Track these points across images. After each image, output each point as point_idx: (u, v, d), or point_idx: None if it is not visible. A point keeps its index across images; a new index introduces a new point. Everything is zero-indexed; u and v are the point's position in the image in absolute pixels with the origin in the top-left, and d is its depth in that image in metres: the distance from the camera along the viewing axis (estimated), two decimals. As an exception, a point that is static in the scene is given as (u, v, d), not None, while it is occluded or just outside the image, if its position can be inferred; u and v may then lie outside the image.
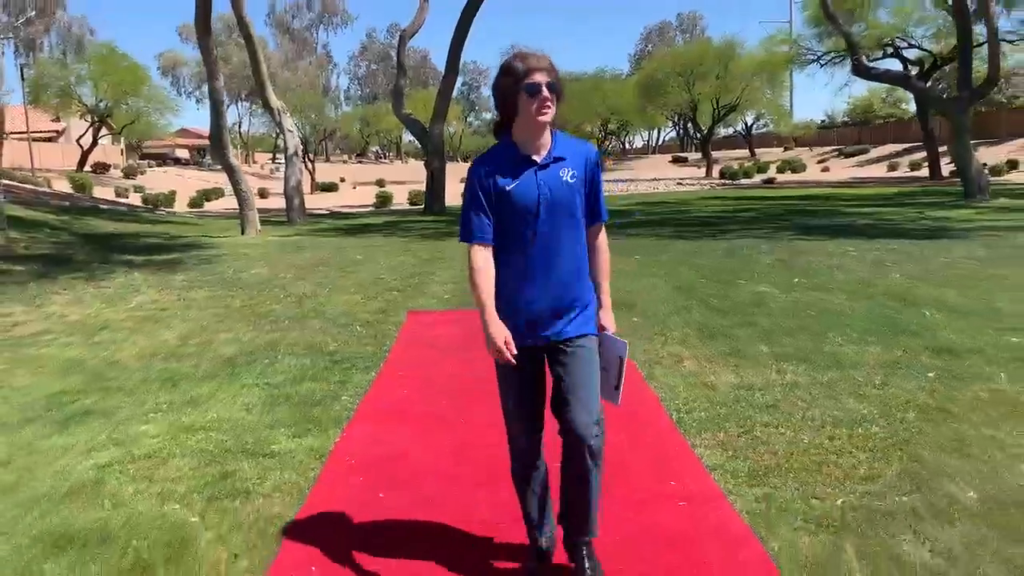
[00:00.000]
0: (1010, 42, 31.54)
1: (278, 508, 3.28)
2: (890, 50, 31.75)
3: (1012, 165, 34.50)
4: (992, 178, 32.70)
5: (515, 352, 2.45)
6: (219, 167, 65.51)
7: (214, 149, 16.94)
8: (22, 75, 38.84)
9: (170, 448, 4.02)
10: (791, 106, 60.16)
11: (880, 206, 19.62)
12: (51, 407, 4.80)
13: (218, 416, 4.51)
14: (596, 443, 2.51)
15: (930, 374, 4.80)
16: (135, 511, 3.29)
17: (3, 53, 11.04)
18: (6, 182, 22.39)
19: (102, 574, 2.78)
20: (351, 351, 6.01)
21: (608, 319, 2.67)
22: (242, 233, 15.89)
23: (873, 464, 3.51)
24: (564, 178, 2.53)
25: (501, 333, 2.46)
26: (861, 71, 21.02)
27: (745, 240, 12.54)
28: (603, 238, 2.72)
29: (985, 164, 34.78)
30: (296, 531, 3.07)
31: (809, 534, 2.89)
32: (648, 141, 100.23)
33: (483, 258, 2.54)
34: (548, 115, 2.46)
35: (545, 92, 2.43)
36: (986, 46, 33.12)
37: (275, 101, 19.20)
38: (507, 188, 2.50)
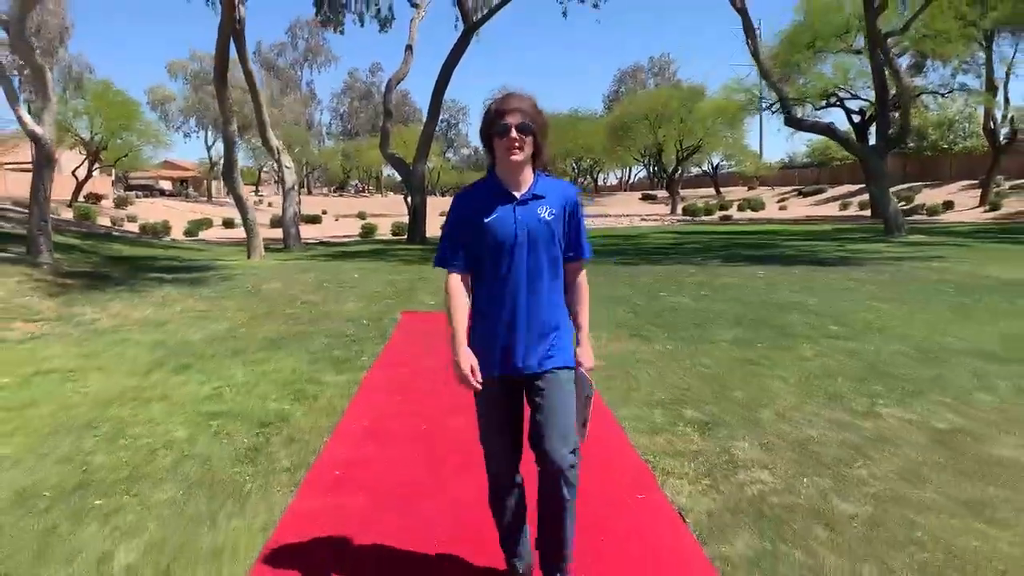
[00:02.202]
0: (942, 95, 34.72)
1: (336, 404, 5.50)
2: (834, 100, 34.74)
3: (948, 206, 37.46)
4: (929, 217, 35.73)
5: (480, 380, 2.58)
6: (203, 198, 67.26)
7: (226, 182, 19.15)
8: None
9: (255, 381, 6.23)
10: (760, 147, 63.49)
11: (811, 240, 22.18)
12: (159, 365, 6.97)
13: (280, 367, 6.72)
14: (572, 473, 2.61)
15: (759, 345, 7.14)
16: (248, 405, 5.50)
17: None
18: (21, 210, 24.39)
19: (244, 425, 4.99)
20: (363, 335, 8.25)
21: (585, 355, 2.74)
22: (248, 257, 18.05)
23: (697, 385, 5.80)
24: (542, 215, 2.61)
25: (467, 361, 2.57)
26: (792, 122, 23.79)
27: (679, 266, 14.94)
28: (583, 276, 2.81)
29: (923, 205, 37.90)
30: (351, 410, 5.30)
31: (640, 408, 5.18)
32: (621, 179, 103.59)
33: (457, 285, 2.66)
34: (518, 155, 2.55)
35: (513, 133, 2.53)
36: (932, 97, 36.41)
37: (275, 141, 21.48)
38: (485, 220, 2.59)
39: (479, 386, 2.57)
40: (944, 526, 3.30)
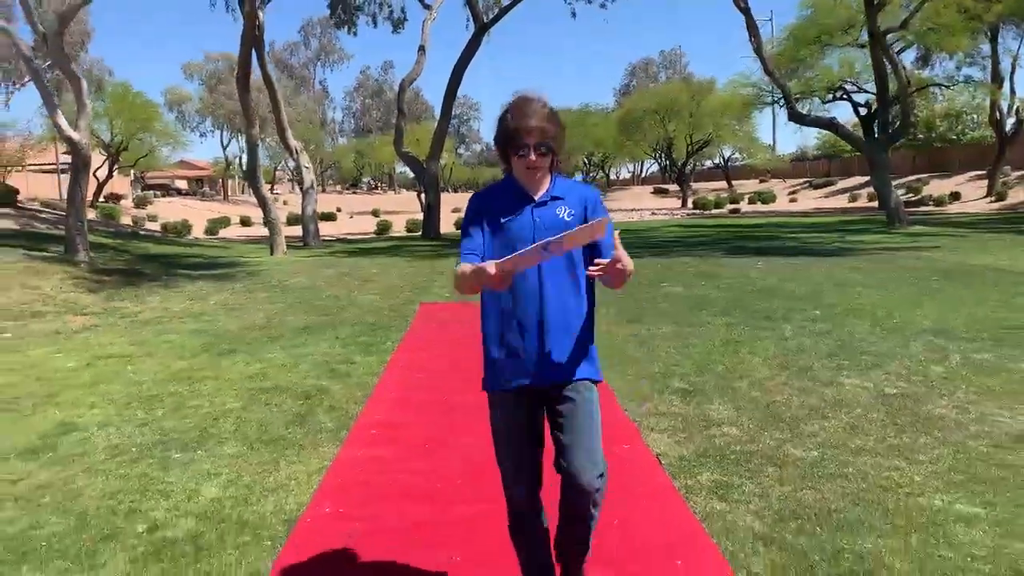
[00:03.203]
0: (947, 87, 35.19)
1: (367, 380, 6.28)
2: (841, 94, 35.22)
3: (955, 196, 37.92)
4: (936, 208, 36.22)
5: (496, 269, 2.20)
6: (219, 197, 68.23)
7: (250, 182, 20.01)
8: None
9: (294, 362, 7.02)
10: (773, 140, 63.75)
11: (815, 232, 22.81)
12: (205, 350, 7.77)
13: (314, 351, 7.51)
14: (599, 495, 2.49)
15: (745, 327, 7.87)
16: (291, 381, 6.28)
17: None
18: (56, 212, 25.35)
19: (290, 398, 5.77)
20: (385, 323, 9.03)
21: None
22: (271, 254, 18.90)
23: (685, 361, 6.54)
24: (561, 216, 2.52)
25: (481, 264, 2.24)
26: (795, 117, 24.43)
27: (682, 257, 15.67)
28: None
29: (931, 196, 38.36)
30: (381, 384, 6.09)
31: (632, 380, 5.93)
32: (634, 173, 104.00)
33: (463, 266, 2.46)
34: (536, 173, 2.51)
35: (532, 156, 2.46)
36: (939, 89, 36.86)
37: (293, 142, 22.30)
38: (502, 221, 2.52)
39: (492, 270, 2.20)
40: (871, 464, 4.04)
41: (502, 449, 2.58)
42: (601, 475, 2.47)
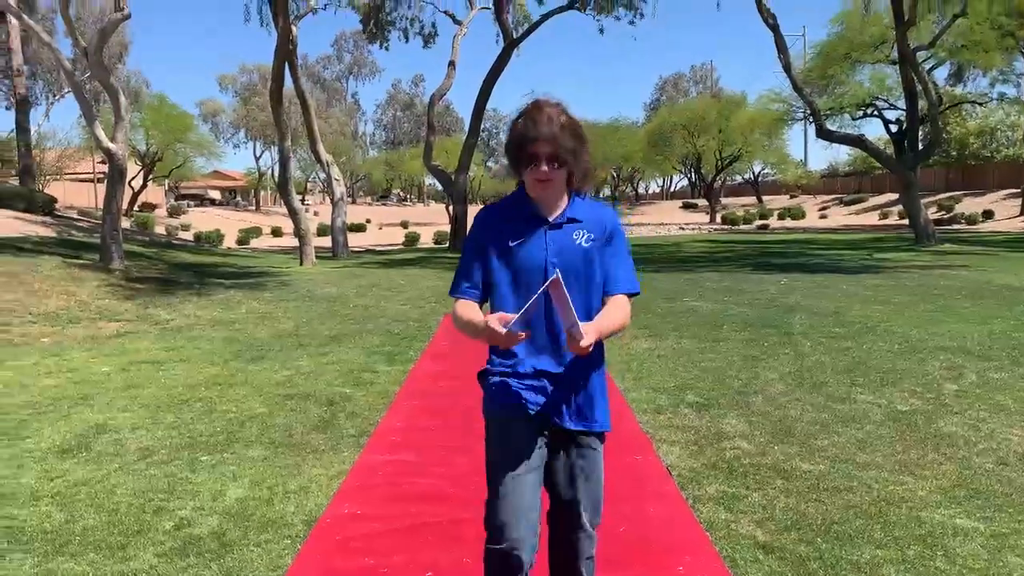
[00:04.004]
0: (981, 104, 34.89)
1: (389, 389, 6.45)
2: (872, 110, 35.07)
3: (987, 215, 37.45)
4: (967, 226, 35.86)
5: (506, 327, 2.07)
6: (252, 208, 69.15)
7: (282, 194, 20.38)
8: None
9: (320, 369, 7.21)
10: (805, 156, 63.32)
11: (843, 249, 22.72)
12: (235, 356, 8.00)
13: (340, 359, 7.71)
14: (589, 565, 2.41)
15: (765, 343, 7.94)
16: (316, 388, 6.47)
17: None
18: (92, 220, 25.94)
19: (314, 404, 5.95)
20: (410, 333, 9.22)
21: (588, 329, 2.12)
22: (301, 264, 19.22)
23: (702, 375, 6.63)
24: (578, 241, 2.29)
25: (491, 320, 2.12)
26: (823, 134, 24.38)
27: (707, 273, 15.72)
28: (624, 304, 2.33)
29: (962, 214, 37.97)
30: (403, 392, 6.25)
31: (648, 393, 6.04)
32: (663, 187, 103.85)
33: (464, 306, 2.32)
34: (548, 188, 2.26)
35: (543, 167, 2.20)
36: (972, 106, 36.54)
37: (324, 154, 22.68)
38: (511, 244, 2.30)
39: (501, 330, 2.08)
40: (877, 478, 4.12)
41: (500, 468, 2.29)
42: (593, 533, 2.41)
